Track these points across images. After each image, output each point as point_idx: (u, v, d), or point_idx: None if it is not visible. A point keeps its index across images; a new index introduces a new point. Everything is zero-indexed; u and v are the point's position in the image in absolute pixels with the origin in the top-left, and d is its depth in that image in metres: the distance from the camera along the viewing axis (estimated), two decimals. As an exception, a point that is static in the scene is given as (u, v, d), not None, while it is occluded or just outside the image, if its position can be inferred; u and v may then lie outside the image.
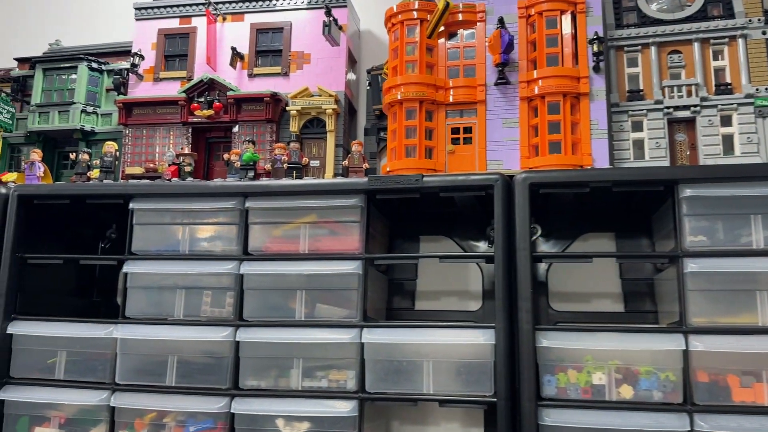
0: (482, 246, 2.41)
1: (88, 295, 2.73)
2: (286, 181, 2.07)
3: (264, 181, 2.09)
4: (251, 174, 2.14)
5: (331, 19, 2.35)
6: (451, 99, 2.24)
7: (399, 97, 2.23)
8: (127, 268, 2.13)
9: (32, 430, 2.14)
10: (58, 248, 2.35)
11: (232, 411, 1.95)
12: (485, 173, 1.96)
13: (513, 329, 1.83)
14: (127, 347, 2.07)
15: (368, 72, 2.67)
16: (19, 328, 2.17)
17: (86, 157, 2.34)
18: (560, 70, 2.13)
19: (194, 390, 2.01)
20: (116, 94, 2.64)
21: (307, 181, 2.07)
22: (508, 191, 1.90)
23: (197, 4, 2.60)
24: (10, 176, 2.57)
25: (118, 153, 2.37)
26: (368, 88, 2.65)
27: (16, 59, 2.88)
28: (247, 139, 2.21)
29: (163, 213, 2.16)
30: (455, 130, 2.24)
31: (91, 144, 2.64)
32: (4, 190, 2.27)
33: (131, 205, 2.16)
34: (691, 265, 1.77)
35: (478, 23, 2.27)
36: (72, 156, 2.40)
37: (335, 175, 2.37)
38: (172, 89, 2.57)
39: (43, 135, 2.68)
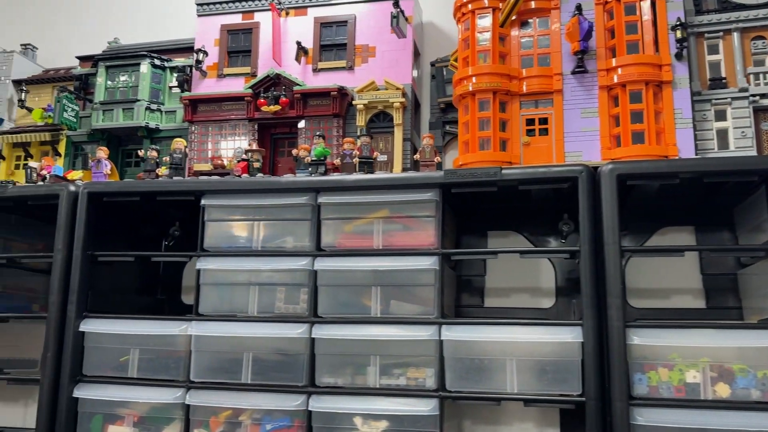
0: (553, 241, 2.35)
1: (152, 293, 2.74)
2: (359, 176, 2.03)
3: (337, 176, 2.05)
4: (322, 169, 2.11)
5: (399, 10, 2.30)
6: (525, 89, 2.18)
7: (471, 89, 2.17)
8: (199, 264, 2.11)
9: (106, 428, 2.14)
10: (121, 246, 2.35)
11: (309, 409, 1.92)
12: (568, 165, 1.89)
13: (601, 326, 1.77)
14: (202, 344, 2.06)
15: (432, 64, 2.62)
16: (91, 326, 2.17)
17: (154, 154, 2.33)
18: (641, 58, 2.06)
19: (270, 387, 1.98)
20: (180, 91, 2.64)
21: (382, 175, 2.03)
22: (593, 183, 1.84)
23: (260, -1, 2.59)
24: (76, 174, 2.57)
25: (187, 150, 2.35)
26: (432, 80, 2.60)
27: (78, 57, 2.90)
28: (318, 133, 2.18)
29: (235, 209, 2.14)
30: (530, 121, 2.18)
31: (155, 141, 2.64)
32: (73, 188, 2.27)
33: (203, 202, 2.14)
34: (791, 258, 1.69)
35: (552, 11, 2.20)
36: (140, 153, 2.39)
37: (404, 169, 2.32)
38: (236, 85, 2.56)
39: (108, 133, 2.68)
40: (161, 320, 2.16)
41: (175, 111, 2.66)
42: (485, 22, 2.21)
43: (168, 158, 2.29)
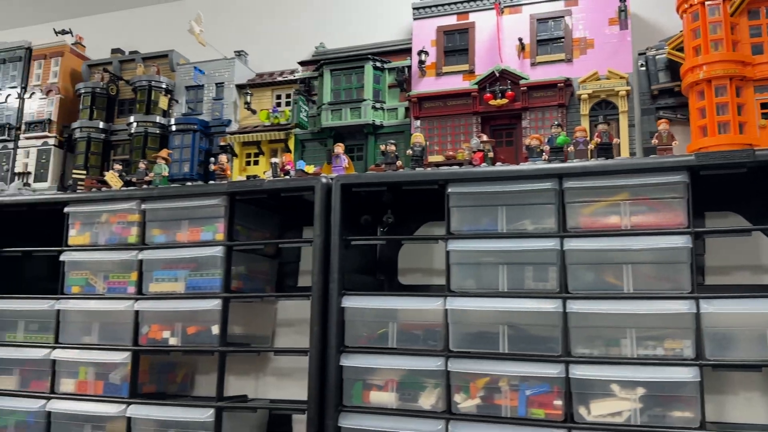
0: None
1: (372, 274, 2.99)
2: (605, 162, 2.18)
3: (582, 163, 2.20)
4: (561, 156, 2.28)
5: (626, 3, 2.44)
6: (758, 75, 2.26)
7: (702, 76, 2.28)
8: (450, 246, 2.33)
9: (367, 394, 2.40)
10: (350, 232, 2.57)
11: (569, 375, 2.10)
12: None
13: None
14: (458, 317, 2.27)
15: (640, 54, 2.73)
16: (352, 302, 2.43)
17: (393, 148, 2.57)
18: None
19: (528, 357, 2.17)
20: (399, 90, 2.87)
21: (628, 160, 2.17)
22: None
23: (474, 0, 2.77)
24: (311, 168, 2.85)
25: (426, 143, 2.58)
26: (641, 68, 2.71)
27: (299, 63, 3.19)
28: (556, 123, 2.35)
29: (479, 195, 2.34)
30: (764, 105, 2.26)
31: (378, 137, 2.89)
32: (324, 180, 2.54)
33: (449, 189, 2.35)
34: None
35: (781, -1, 2.27)
36: (381, 147, 2.62)
37: (630, 154, 2.46)
38: (454, 82, 2.77)
39: (334, 131, 2.96)
40: (417, 296, 2.40)
41: (396, 109, 2.90)
42: (716, 12, 2.30)
43: (410, 151, 2.52)
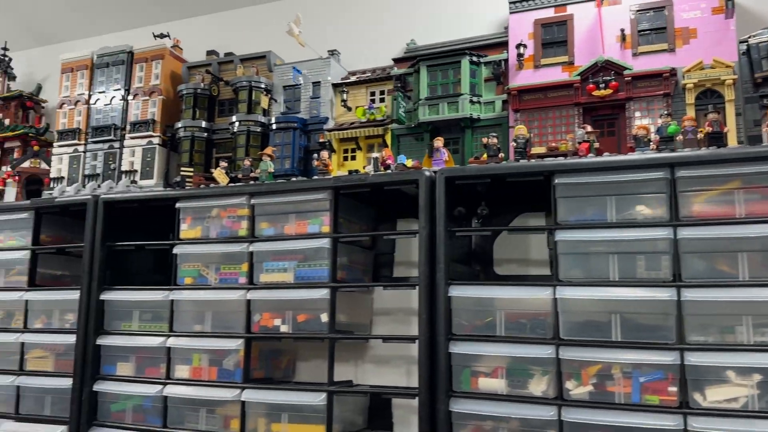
0: None
1: (468, 264, 3.06)
2: (718, 150, 2.19)
3: (696, 152, 2.22)
4: (672, 145, 2.30)
5: (733, -6, 2.45)
6: None
7: (815, 62, 2.27)
8: (558, 236, 2.38)
9: (474, 381, 2.47)
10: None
11: (684, 363, 2.12)
12: None
13: None
14: (568, 306, 2.32)
15: (741, 41, 2.71)
16: (459, 291, 2.50)
17: (495, 140, 2.63)
18: None
19: (641, 345, 2.21)
20: (496, 83, 2.93)
21: (741, 148, 2.18)
22: None
23: (572, -7, 2.81)
24: (408, 162, 2.94)
25: (530, 136, 2.63)
26: (743, 56, 2.69)
27: (394, 59, 3.28)
28: (664, 112, 2.37)
29: (587, 186, 2.38)
30: None
31: (475, 131, 2.95)
32: (428, 173, 2.62)
33: (556, 180, 2.40)
34: None
35: None
36: (483, 140, 2.69)
37: (739, 143, 2.45)
38: (553, 74, 2.81)
39: (431, 125, 3.04)
40: (525, 286, 2.46)
41: (492, 102, 2.96)
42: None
43: (513, 143, 2.57)
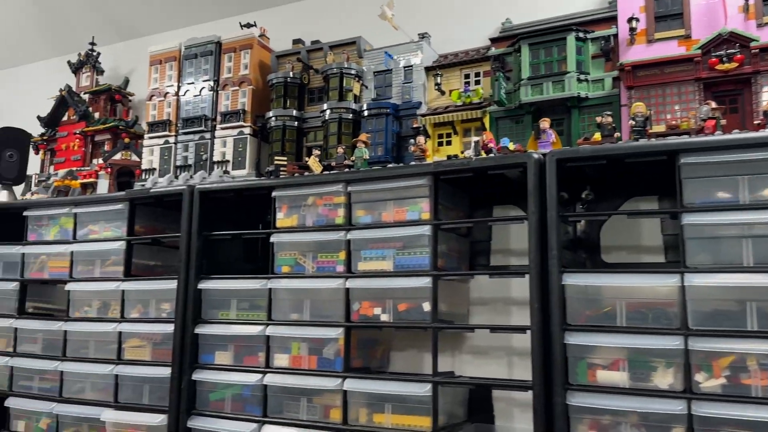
0: None
1: (573, 251, 2.93)
2: None
3: None
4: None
5: None
6: None
7: None
8: (685, 219, 2.22)
9: (592, 373, 2.35)
10: None
11: (834, 356, 1.95)
12: None
13: None
14: (697, 294, 2.17)
15: None
16: (574, 279, 2.37)
17: (609, 119, 2.49)
18: None
19: (781, 335, 2.04)
20: (605, 60, 2.77)
21: None
22: None
23: (688, -37, 2.63)
24: (512, 145, 2.82)
25: (650, 113, 2.48)
26: None
27: (491, 39, 3.17)
28: (806, 85, 2.20)
29: (717, 165, 2.20)
30: None
31: (582, 110, 2.81)
32: (536, 156, 2.50)
33: (682, 160, 2.24)
34: None
35: None
36: (597, 119, 2.55)
37: None
38: (668, 49, 2.63)
39: (534, 106, 2.91)
40: (648, 273, 2.31)
41: (601, 80, 2.81)
42: None
43: (632, 122, 2.43)
